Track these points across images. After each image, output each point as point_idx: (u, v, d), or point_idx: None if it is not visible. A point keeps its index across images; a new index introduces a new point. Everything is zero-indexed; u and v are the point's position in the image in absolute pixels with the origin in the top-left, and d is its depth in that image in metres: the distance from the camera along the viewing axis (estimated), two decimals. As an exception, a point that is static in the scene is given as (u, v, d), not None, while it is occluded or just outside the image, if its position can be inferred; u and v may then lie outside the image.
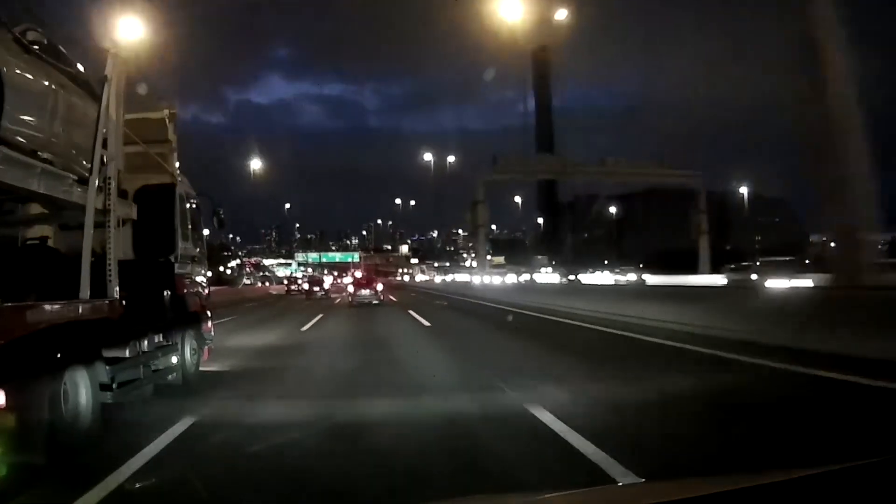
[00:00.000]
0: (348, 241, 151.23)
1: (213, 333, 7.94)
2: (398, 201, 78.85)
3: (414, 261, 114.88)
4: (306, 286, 41.79)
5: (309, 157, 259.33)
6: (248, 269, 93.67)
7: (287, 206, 60.38)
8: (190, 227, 7.29)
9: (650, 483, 2.75)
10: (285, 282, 58.73)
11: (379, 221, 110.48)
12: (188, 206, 7.29)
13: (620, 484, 3.14)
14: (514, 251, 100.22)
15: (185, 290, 6.96)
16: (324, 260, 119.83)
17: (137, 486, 3.66)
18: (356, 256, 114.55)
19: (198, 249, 7.58)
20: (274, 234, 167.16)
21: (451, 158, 57.18)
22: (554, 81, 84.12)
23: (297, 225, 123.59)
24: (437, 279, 69.36)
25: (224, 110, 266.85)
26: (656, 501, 1.44)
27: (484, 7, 25.62)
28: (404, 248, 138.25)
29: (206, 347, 7.60)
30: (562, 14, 37.78)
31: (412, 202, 78.83)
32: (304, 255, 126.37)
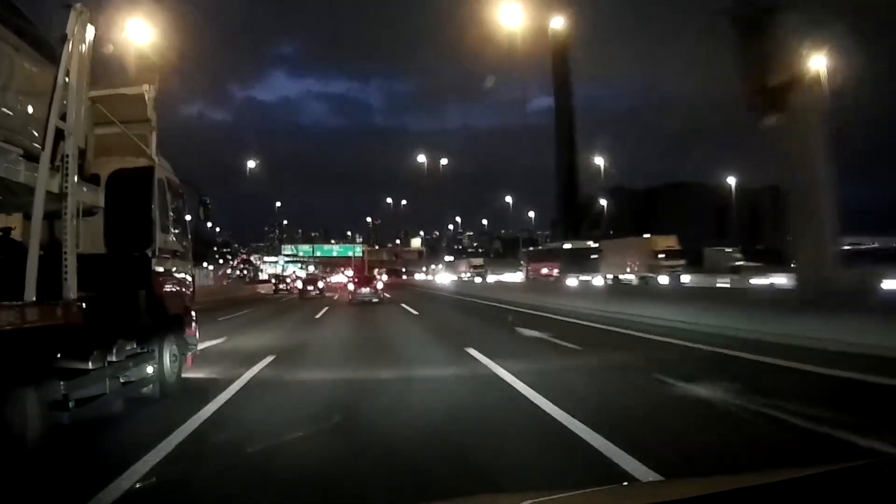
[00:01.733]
0: (350, 234, 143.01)
1: (197, 337, 7.25)
2: (422, 158, 61.68)
3: (448, 258, 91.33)
4: (299, 285, 41.52)
5: (313, 155, 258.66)
6: (232, 264, 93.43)
7: (252, 164, 49.82)
8: (171, 217, 6.61)
9: (651, 483, 2.75)
10: (272, 280, 54.88)
11: (389, 201, 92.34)
12: (169, 194, 6.60)
13: (622, 484, 3.09)
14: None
15: (165, 290, 6.28)
16: (318, 254, 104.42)
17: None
18: (358, 250, 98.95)
19: (180, 242, 6.87)
20: (277, 231, 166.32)
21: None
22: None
23: (278, 203, 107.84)
24: (570, 283, 33.87)
25: (229, 107, 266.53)
26: (656, 501, 1.44)
27: (491, 4, 23.52)
28: (416, 242, 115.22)
29: (190, 354, 6.92)
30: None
31: (443, 160, 64.26)
32: (292, 247, 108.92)
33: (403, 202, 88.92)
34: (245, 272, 79.36)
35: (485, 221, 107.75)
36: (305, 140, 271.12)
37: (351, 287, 28.96)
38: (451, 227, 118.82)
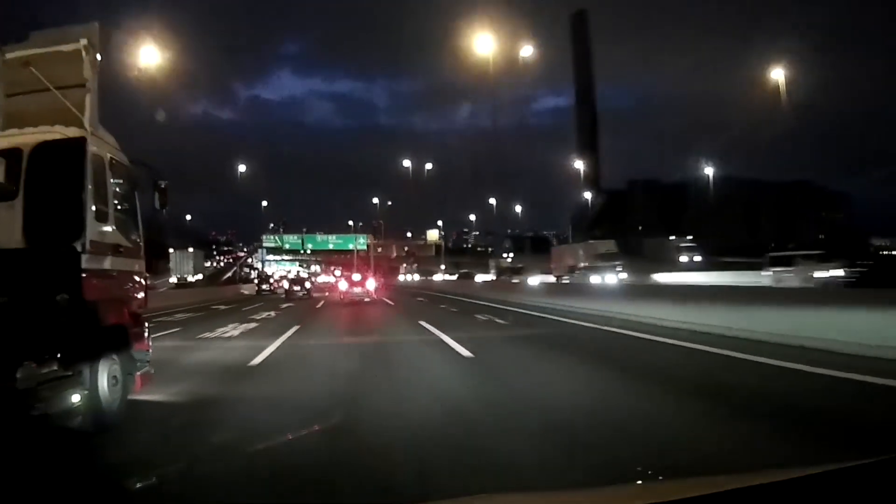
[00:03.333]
0: (351, 223, 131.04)
1: (150, 353, 6.05)
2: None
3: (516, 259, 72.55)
4: (285, 285, 40.68)
5: (318, 155, 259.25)
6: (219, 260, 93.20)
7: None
8: (113, 204, 5.44)
9: (651, 483, 2.75)
10: (255, 280, 52.85)
11: (407, 164, 67.36)
12: (111, 174, 5.43)
13: (622, 484, 2.97)
14: (539, 250, 75.99)
15: (100, 294, 5.09)
16: (310, 247, 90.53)
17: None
18: (363, 241, 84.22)
19: (126, 235, 5.68)
20: (281, 230, 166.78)
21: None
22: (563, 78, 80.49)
23: (242, 168, 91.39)
24: None
25: (234, 106, 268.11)
26: (656, 501, 1.46)
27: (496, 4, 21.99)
28: (433, 235, 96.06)
29: (140, 374, 5.70)
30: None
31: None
32: (274, 238, 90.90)
33: (428, 165, 69.24)
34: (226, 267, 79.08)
35: (518, 208, 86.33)
36: (310, 139, 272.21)
37: (344, 287, 27.17)
38: (472, 216, 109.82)
